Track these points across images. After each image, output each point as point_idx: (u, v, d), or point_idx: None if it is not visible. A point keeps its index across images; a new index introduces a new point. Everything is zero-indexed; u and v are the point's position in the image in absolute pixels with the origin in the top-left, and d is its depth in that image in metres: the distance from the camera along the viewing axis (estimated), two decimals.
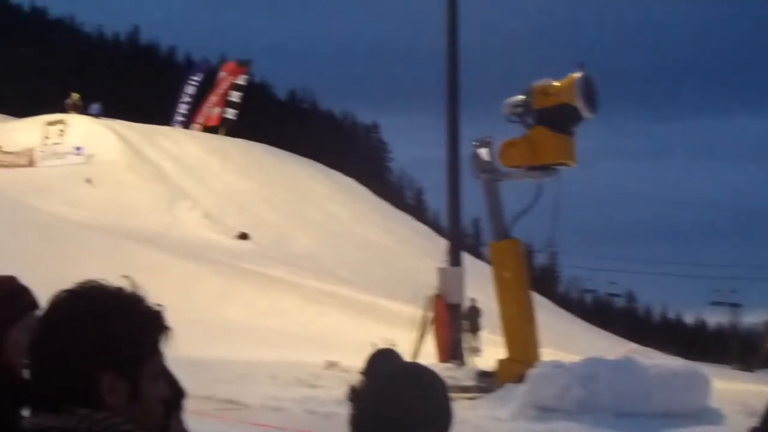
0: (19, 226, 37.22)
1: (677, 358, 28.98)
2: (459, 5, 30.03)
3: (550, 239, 26.36)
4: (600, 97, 23.72)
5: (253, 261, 40.67)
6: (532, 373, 19.71)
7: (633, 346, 34.63)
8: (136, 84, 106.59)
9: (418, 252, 48.69)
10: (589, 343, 39.48)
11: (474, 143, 25.17)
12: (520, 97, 23.93)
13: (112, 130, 54.61)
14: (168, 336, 2.21)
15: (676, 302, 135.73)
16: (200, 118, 63.89)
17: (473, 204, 28.91)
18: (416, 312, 27.33)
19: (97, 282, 2.20)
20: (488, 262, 29.09)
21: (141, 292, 2.20)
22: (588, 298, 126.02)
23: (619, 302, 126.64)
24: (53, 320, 2.16)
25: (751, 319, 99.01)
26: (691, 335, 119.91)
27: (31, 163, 53.24)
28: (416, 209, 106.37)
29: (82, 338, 2.10)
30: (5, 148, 54.79)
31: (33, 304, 3.42)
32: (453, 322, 27.13)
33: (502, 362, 23.31)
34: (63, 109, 57.93)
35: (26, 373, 3.08)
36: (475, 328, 31.00)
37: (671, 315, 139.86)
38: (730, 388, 23.54)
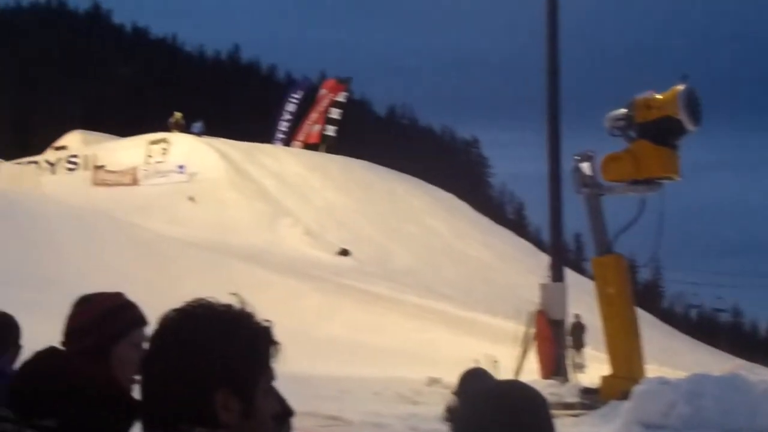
0: (123, 245, 37.76)
1: None
2: (559, 18, 29.80)
3: (654, 254, 26.02)
4: (703, 110, 23.39)
5: (353, 277, 40.73)
6: (637, 389, 19.39)
7: (739, 362, 34.06)
8: (238, 102, 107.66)
9: (519, 267, 48.35)
10: (694, 359, 38.82)
11: (576, 157, 24.95)
12: (623, 110, 23.69)
13: (214, 148, 55.15)
14: (278, 352, 2.18)
15: None
16: (301, 136, 64.33)
17: (575, 219, 28.70)
18: (518, 328, 27.09)
19: (206, 300, 2.17)
20: (591, 277, 28.80)
21: (250, 309, 2.16)
22: (693, 313, 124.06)
23: (725, 317, 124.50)
24: (165, 339, 2.13)
25: None
26: None
27: (134, 182, 54.00)
28: (517, 224, 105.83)
29: (195, 357, 2.08)
30: (109, 168, 55.69)
31: (139, 319, 3.44)
32: (556, 339, 26.84)
33: (606, 379, 23.04)
34: (166, 128, 58.68)
35: (134, 389, 3.06)
36: (578, 345, 30.69)
37: None
38: None
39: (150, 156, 55.46)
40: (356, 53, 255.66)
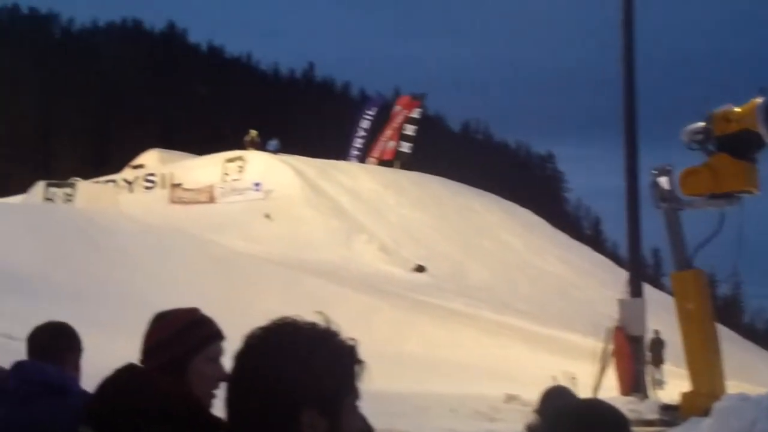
0: (200, 262, 38.04)
1: None
2: (635, 31, 29.57)
3: (734, 269, 25.69)
4: None
5: (429, 293, 40.66)
6: (718, 406, 19.09)
7: None
8: (313, 119, 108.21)
9: (596, 283, 47.97)
10: None
11: (653, 171, 24.70)
12: (700, 124, 23.44)
13: (290, 165, 55.40)
14: (363, 371, 2.15)
15: None
16: (375, 152, 64.49)
17: (653, 234, 28.36)
18: (596, 344, 26.84)
19: (291, 318, 2.15)
20: (670, 292, 28.48)
21: (335, 328, 2.14)
22: None
23: None
24: (251, 358, 2.12)
25: None
26: None
27: (211, 200, 54.40)
28: (594, 239, 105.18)
29: (282, 376, 2.06)
30: (186, 186, 56.17)
31: (215, 333, 3.45)
32: (635, 355, 26.55)
33: (686, 395, 22.76)
34: (241, 146, 59.10)
35: (213, 405, 3.04)
36: (658, 361, 30.37)
37: None
38: None
39: (226, 174, 55.85)
40: (430, 69, 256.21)
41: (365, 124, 66.36)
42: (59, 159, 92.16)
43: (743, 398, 19.68)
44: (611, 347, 26.53)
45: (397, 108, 65.99)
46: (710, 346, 23.10)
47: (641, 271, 32.07)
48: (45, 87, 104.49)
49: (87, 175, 64.17)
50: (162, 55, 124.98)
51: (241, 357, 2.13)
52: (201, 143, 69.14)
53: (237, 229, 47.03)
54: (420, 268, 45.46)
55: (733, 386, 24.56)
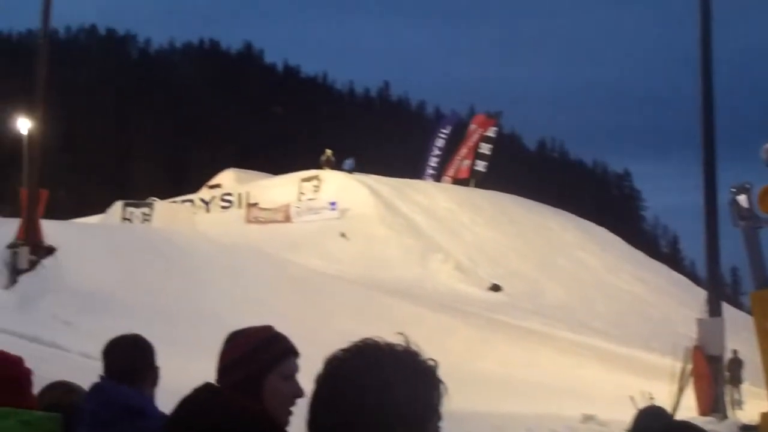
0: (276, 280, 38.18)
1: None
2: (714, 48, 29.26)
3: None
4: None
5: (505, 312, 40.48)
6: None
7: None
8: (388, 138, 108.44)
9: (674, 302, 47.46)
10: None
11: (732, 189, 24.37)
12: None
13: (365, 184, 55.52)
14: (444, 392, 2.13)
15: None
16: (450, 171, 64.45)
17: (732, 252, 28.00)
18: (674, 364, 26.53)
19: (373, 339, 2.12)
20: (749, 312, 28.08)
21: (417, 349, 2.12)
22: None
23: None
24: (335, 380, 2.09)
25: None
26: None
27: (287, 219, 54.64)
28: (671, 258, 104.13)
29: (367, 398, 2.03)
30: (262, 205, 56.50)
31: (288, 350, 3.46)
32: (713, 375, 26.21)
33: (765, 415, 22.40)
34: (317, 166, 59.35)
35: (287, 422, 3.03)
36: (736, 381, 29.94)
37: None
38: None
39: (302, 193, 56.12)
40: (505, 87, 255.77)
41: (440, 142, 66.36)
42: (137, 179, 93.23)
43: None
44: (690, 367, 26.22)
45: (473, 126, 65.93)
46: None
47: (720, 290, 31.66)
48: (122, 107, 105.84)
49: (164, 195, 64.80)
50: (238, 75, 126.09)
51: (325, 379, 2.11)
52: (277, 163, 69.52)
53: (313, 248, 47.19)
54: (495, 287, 45.27)
55: None
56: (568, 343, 37.04)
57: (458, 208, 55.26)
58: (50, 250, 34.72)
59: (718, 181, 28.57)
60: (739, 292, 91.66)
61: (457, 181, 63.08)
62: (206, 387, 3.29)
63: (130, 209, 58.40)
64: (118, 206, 59.30)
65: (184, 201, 62.65)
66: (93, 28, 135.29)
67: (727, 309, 32.20)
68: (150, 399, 4.65)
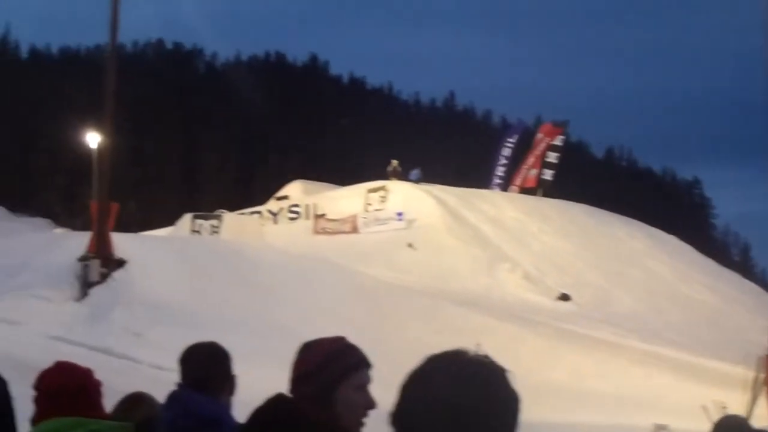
0: (344, 291, 38.25)
1: None
2: None
3: None
4: None
5: (574, 322, 40.19)
6: None
7: None
8: (454, 148, 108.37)
9: (745, 310, 46.88)
10: None
11: None
12: None
13: (431, 194, 55.48)
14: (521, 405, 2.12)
15: None
16: (517, 180, 64.25)
17: None
18: (747, 373, 26.21)
19: (455, 350, 2.11)
20: None
21: (497, 362, 2.11)
22: None
23: None
24: (423, 390, 2.08)
25: None
26: None
27: (354, 230, 54.74)
28: (743, 266, 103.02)
29: (456, 409, 2.02)
30: (329, 216, 56.68)
31: (361, 361, 3.46)
32: None
33: None
34: (384, 176, 59.42)
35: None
36: None
37: None
38: None
39: (369, 204, 56.18)
40: (572, 96, 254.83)
41: (507, 152, 66.19)
42: (205, 191, 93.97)
43: None
44: (762, 376, 25.90)
45: (539, 135, 65.66)
46: None
47: None
48: (190, 120, 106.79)
49: (232, 207, 65.30)
50: (304, 87, 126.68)
51: (411, 389, 2.10)
52: (344, 174, 69.75)
53: (380, 258, 47.22)
54: (564, 297, 44.99)
55: None
56: (639, 353, 36.68)
57: (526, 217, 55.02)
58: (121, 263, 35.09)
59: None
60: None
61: (525, 191, 62.86)
62: (279, 397, 3.30)
63: (199, 221, 58.84)
64: (187, 218, 59.77)
65: (252, 213, 63.02)
66: (160, 43, 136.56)
67: None
68: (226, 408, 4.66)
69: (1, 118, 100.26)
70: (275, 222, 59.95)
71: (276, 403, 3.26)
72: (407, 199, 54.74)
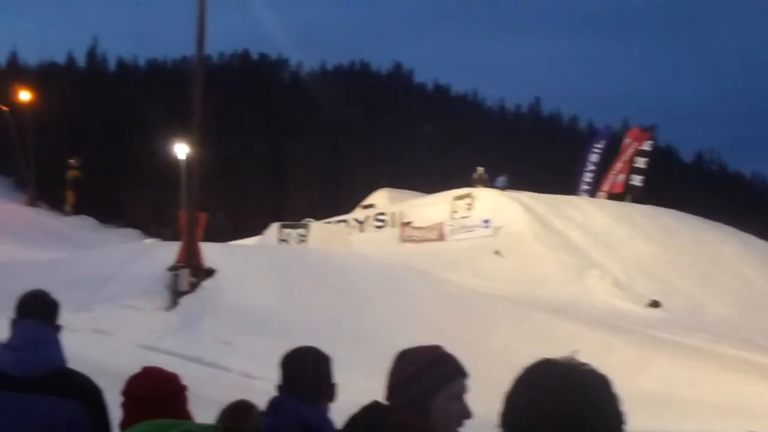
0: (432, 300, 38.20)
1: None
2: None
3: None
4: None
5: (665, 329, 39.74)
6: None
7: None
8: (540, 155, 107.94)
9: None
10: None
11: None
12: None
13: (518, 201, 55.29)
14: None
15: None
16: (605, 186, 63.79)
17: None
18: None
19: (559, 359, 2.09)
20: None
21: (601, 371, 2.08)
22: None
23: None
24: (532, 398, 2.06)
25: None
26: None
27: (440, 237, 54.72)
28: None
29: (563, 422, 1.99)
30: (415, 224, 56.72)
31: (458, 371, 3.46)
32: None
33: None
34: (469, 183, 59.36)
35: None
36: None
37: None
38: None
39: (455, 211, 56.14)
40: (659, 100, 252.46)
41: (594, 157, 65.76)
42: (292, 200, 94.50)
43: None
44: None
45: (627, 140, 65.13)
46: None
47: None
48: (276, 130, 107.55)
49: (319, 216, 65.60)
50: (389, 96, 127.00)
51: (518, 398, 2.08)
52: (429, 181, 69.78)
53: (467, 266, 47.12)
54: (655, 304, 44.54)
55: None
56: (732, 360, 36.15)
57: (614, 223, 54.58)
58: (210, 272, 35.40)
59: None
60: None
61: (613, 196, 62.41)
62: (375, 405, 3.30)
63: (287, 230, 59.18)
64: (274, 228, 60.16)
65: (338, 221, 63.31)
66: (245, 53, 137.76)
67: None
68: (325, 415, 4.66)
69: (89, 130, 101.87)
70: (361, 230, 60.15)
71: (373, 410, 3.26)
72: (494, 206, 54.60)
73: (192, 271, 34.83)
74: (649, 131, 65.67)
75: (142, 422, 4.44)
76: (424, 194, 64.14)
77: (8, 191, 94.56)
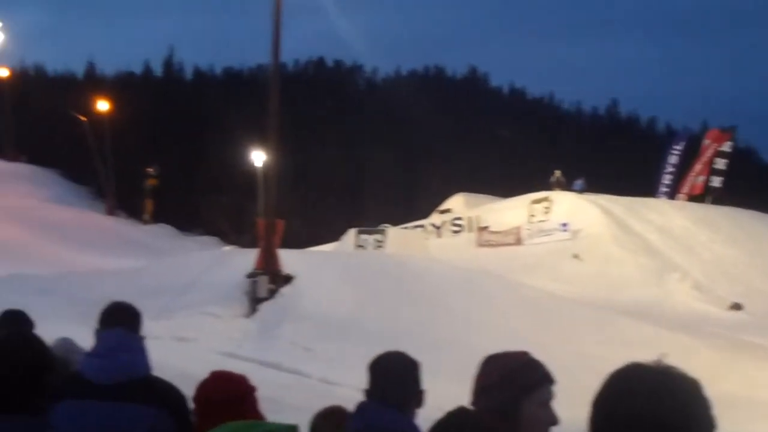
0: (511, 304, 38.04)
1: None
2: None
3: None
4: None
5: (748, 332, 39.20)
6: None
7: None
8: (618, 157, 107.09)
9: None
10: None
11: None
12: None
13: (596, 204, 54.93)
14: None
15: None
16: (685, 188, 63.18)
17: None
18: None
19: (650, 363, 2.06)
20: None
21: (688, 373, 2.05)
22: None
23: None
24: (622, 406, 2.03)
25: None
26: None
27: (517, 242, 54.53)
28: None
29: (657, 427, 1.96)
30: (492, 228, 56.57)
31: (545, 377, 3.44)
32: None
33: None
34: (547, 187, 59.09)
35: None
36: None
37: None
38: None
39: (532, 215, 55.93)
40: (739, 101, 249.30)
41: (673, 159, 65.14)
42: (369, 206, 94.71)
43: None
44: None
45: (707, 142, 64.50)
46: None
47: None
48: (352, 136, 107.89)
49: (396, 221, 65.62)
50: (465, 100, 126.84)
51: (609, 405, 2.04)
52: (506, 185, 69.52)
53: (545, 270, 46.90)
54: (736, 306, 43.99)
55: None
56: None
57: (694, 225, 54.02)
58: (288, 279, 35.54)
59: None
60: None
61: (692, 198, 61.83)
62: (461, 411, 3.29)
63: (364, 236, 59.27)
64: (351, 234, 60.29)
65: (415, 227, 63.32)
66: (321, 61, 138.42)
67: None
68: (411, 421, 4.63)
69: (167, 139, 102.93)
70: (438, 235, 60.13)
71: (458, 415, 3.25)
72: (572, 210, 54.31)
73: (270, 278, 34.99)
74: (728, 132, 64.96)
75: (219, 425, 4.47)
76: (501, 198, 63.97)
77: (88, 201, 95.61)
